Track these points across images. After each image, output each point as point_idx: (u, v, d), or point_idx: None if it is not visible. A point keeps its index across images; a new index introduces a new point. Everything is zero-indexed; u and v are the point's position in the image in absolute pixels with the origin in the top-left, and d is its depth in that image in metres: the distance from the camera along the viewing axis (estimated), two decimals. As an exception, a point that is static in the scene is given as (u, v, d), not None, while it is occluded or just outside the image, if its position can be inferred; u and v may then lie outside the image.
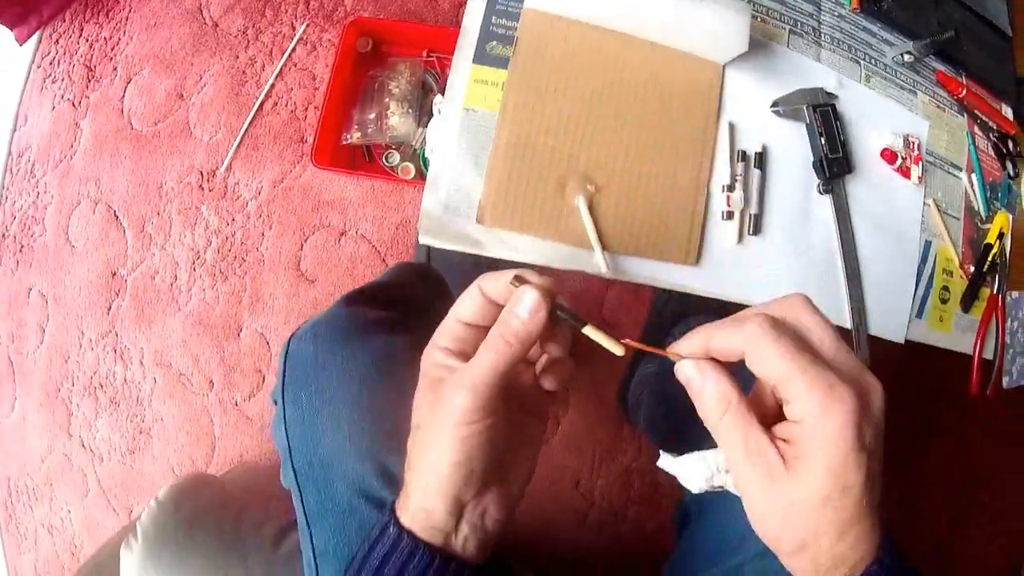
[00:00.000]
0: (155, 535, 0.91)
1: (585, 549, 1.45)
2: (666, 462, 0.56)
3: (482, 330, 0.53)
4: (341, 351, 0.71)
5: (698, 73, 0.87)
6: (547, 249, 0.80)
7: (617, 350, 0.51)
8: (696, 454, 0.54)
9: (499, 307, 0.52)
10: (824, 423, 0.43)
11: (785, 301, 0.48)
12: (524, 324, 0.49)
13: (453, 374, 0.51)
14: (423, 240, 0.77)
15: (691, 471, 0.54)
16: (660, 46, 0.86)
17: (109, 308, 1.57)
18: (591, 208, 0.80)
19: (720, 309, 1.28)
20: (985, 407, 1.25)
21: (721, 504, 0.73)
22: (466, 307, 0.53)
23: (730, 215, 0.85)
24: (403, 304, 0.82)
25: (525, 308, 0.49)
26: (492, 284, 0.52)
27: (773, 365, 0.44)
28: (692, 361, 0.48)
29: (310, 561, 0.70)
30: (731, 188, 0.85)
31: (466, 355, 0.52)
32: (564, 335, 0.55)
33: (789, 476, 0.44)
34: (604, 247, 0.79)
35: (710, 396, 0.47)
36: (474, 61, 0.83)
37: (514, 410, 0.54)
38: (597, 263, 0.79)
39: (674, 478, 0.56)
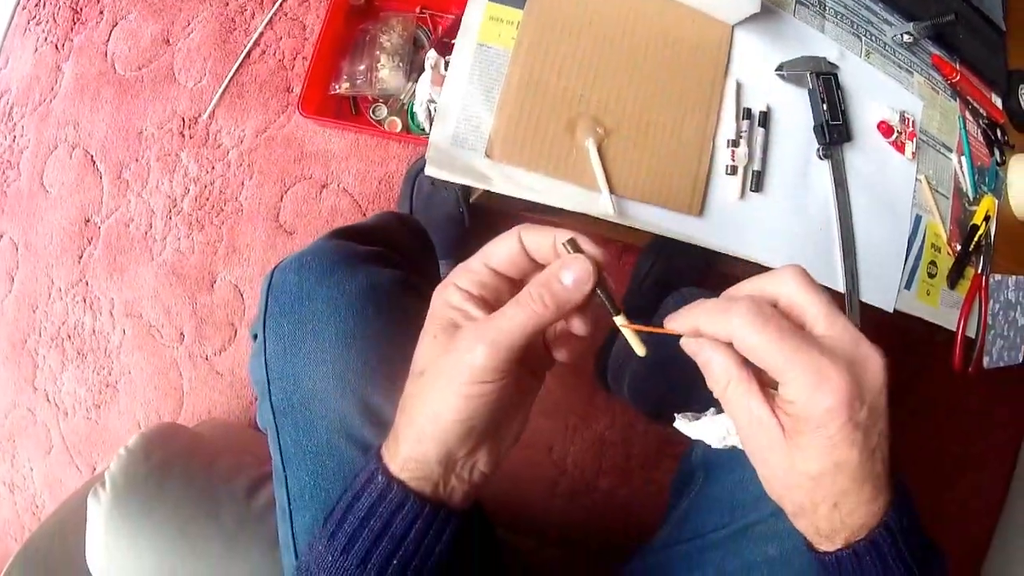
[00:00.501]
0: (124, 484, 0.88)
1: (557, 516, 1.45)
2: (682, 424, 0.55)
3: (507, 281, 0.51)
4: (328, 280, 0.68)
5: (709, 30, 0.88)
6: (554, 188, 0.80)
7: (640, 351, 0.49)
8: (708, 418, 0.54)
9: (534, 263, 0.50)
10: (813, 406, 0.43)
11: (777, 276, 0.47)
12: (568, 292, 0.46)
13: (472, 324, 0.48)
14: (428, 171, 0.76)
15: (705, 433, 0.54)
16: (674, 1, 0.86)
17: (81, 256, 1.53)
18: (599, 151, 0.80)
19: (700, 280, 1.31)
20: (965, 384, 1.27)
21: (734, 465, 0.73)
22: (500, 253, 0.50)
23: (734, 170, 0.86)
24: (389, 245, 0.80)
25: (572, 276, 0.46)
26: (535, 238, 0.49)
27: (760, 354, 0.44)
28: (690, 338, 0.48)
29: (284, 507, 0.67)
30: (736, 144, 0.86)
31: (485, 303, 0.50)
32: (592, 313, 0.51)
33: (788, 448, 0.45)
34: (611, 190, 0.79)
35: (715, 367, 0.47)
36: (490, -1, 0.83)
37: (518, 368, 0.50)
38: (604, 205, 0.79)
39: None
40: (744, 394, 0.46)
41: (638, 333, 0.49)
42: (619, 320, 0.49)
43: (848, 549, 0.47)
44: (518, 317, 0.46)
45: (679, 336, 0.49)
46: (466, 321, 0.49)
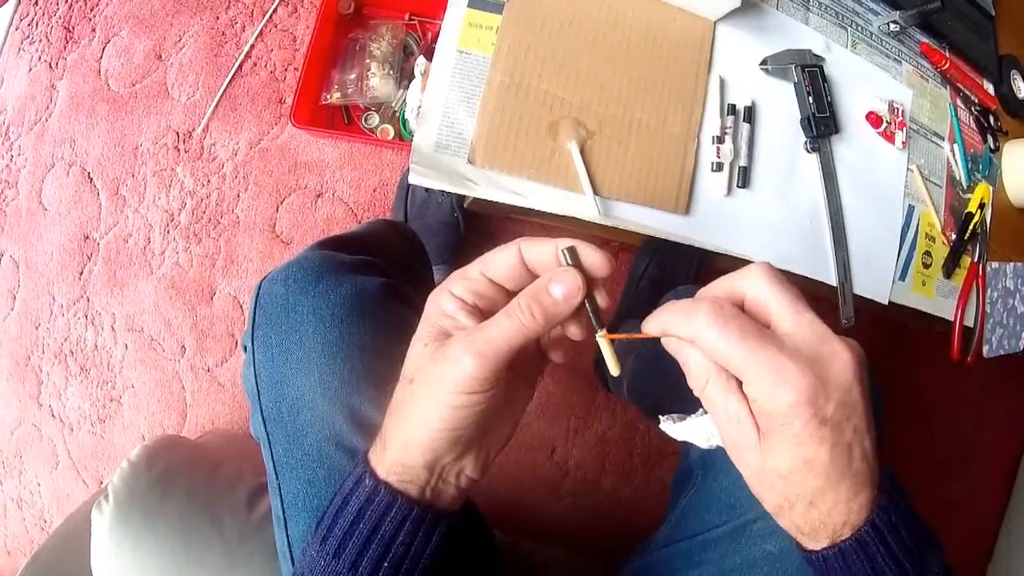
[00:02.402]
0: (127, 495, 0.88)
1: (561, 518, 1.45)
2: (667, 426, 0.56)
3: (503, 292, 0.50)
4: (313, 290, 0.68)
5: (690, 27, 0.87)
6: (539, 191, 0.80)
7: (614, 370, 0.50)
8: (693, 419, 0.54)
9: (531, 275, 0.49)
10: (775, 404, 0.43)
11: (743, 274, 0.47)
12: (556, 305, 0.47)
13: (462, 332, 0.48)
14: (412, 179, 0.75)
15: (691, 433, 0.54)
16: (654, -1, 0.86)
17: (81, 273, 1.53)
18: (583, 152, 0.80)
19: (696, 278, 1.31)
20: (964, 374, 1.25)
21: (732, 463, 0.73)
22: (498, 263, 0.50)
23: (719, 166, 0.86)
24: (378, 253, 0.80)
25: (561, 289, 0.46)
26: (536, 250, 0.49)
27: (721, 353, 0.44)
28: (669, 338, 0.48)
29: (279, 515, 0.67)
30: (721, 140, 0.86)
31: (479, 312, 0.49)
32: (587, 319, 0.51)
33: (762, 446, 0.45)
34: (595, 191, 0.79)
35: (693, 366, 0.47)
36: (469, 5, 0.83)
37: (509, 376, 0.50)
38: (588, 206, 0.78)
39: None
40: (722, 392, 0.46)
41: (614, 350, 0.50)
42: (600, 337, 0.49)
43: (834, 548, 0.47)
44: (506, 328, 0.46)
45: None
46: (457, 330, 0.49)
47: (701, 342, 0.45)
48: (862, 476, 0.45)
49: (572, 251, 0.47)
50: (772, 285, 0.46)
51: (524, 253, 0.49)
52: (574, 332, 0.51)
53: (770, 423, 0.44)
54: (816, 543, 0.48)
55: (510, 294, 0.50)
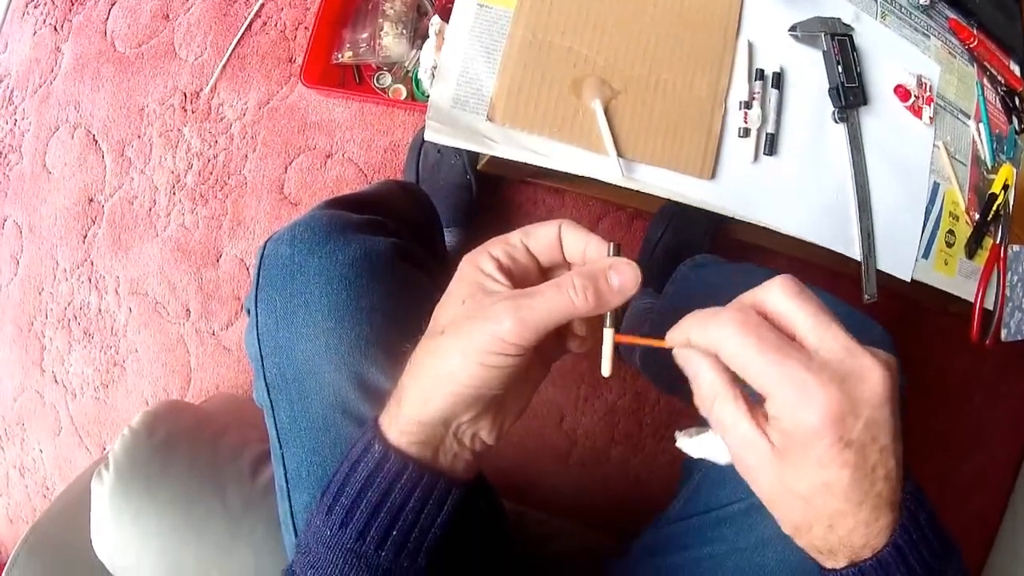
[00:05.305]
0: (128, 464, 0.86)
1: (569, 488, 1.45)
2: (684, 443, 0.54)
3: (536, 264, 0.51)
4: (320, 251, 0.66)
5: (718, -11, 0.85)
6: (560, 151, 0.78)
7: (607, 371, 0.49)
8: (711, 434, 0.52)
9: (563, 256, 0.51)
10: (797, 424, 0.41)
11: (763, 289, 0.45)
12: (611, 293, 0.46)
13: (507, 293, 0.48)
14: (428, 135, 0.73)
15: (709, 450, 0.52)
16: (682, -42, 0.84)
17: (85, 236, 1.52)
18: (606, 112, 0.78)
19: (713, 246, 1.29)
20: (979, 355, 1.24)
21: None
22: (539, 236, 0.51)
23: (746, 132, 0.84)
24: (388, 213, 0.78)
25: (620, 280, 0.46)
26: (573, 236, 0.50)
27: (742, 364, 0.42)
28: (681, 349, 0.47)
29: (282, 485, 0.66)
30: (748, 105, 0.84)
31: (511, 276, 0.50)
32: (600, 319, 0.50)
33: (777, 465, 0.43)
34: (618, 153, 0.77)
35: (702, 382, 0.46)
36: (491, -43, 0.81)
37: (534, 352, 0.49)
38: (611, 168, 0.77)
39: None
40: (731, 413, 0.44)
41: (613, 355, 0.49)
42: (607, 333, 0.49)
43: (854, 567, 0.45)
44: (553, 301, 0.45)
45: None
46: (495, 285, 0.49)
47: (723, 350, 0.43)
48: (884, 496, 0.44)
49: (619, 248, 0.47)
50: (794, 298, 0.44)
51: (563, 233, 0.50)
52: (578, 327, 0.51)
53: (790, 443, 0.42)
54: (835, 562, 0.46)
55: (541, 269, 0.52)
